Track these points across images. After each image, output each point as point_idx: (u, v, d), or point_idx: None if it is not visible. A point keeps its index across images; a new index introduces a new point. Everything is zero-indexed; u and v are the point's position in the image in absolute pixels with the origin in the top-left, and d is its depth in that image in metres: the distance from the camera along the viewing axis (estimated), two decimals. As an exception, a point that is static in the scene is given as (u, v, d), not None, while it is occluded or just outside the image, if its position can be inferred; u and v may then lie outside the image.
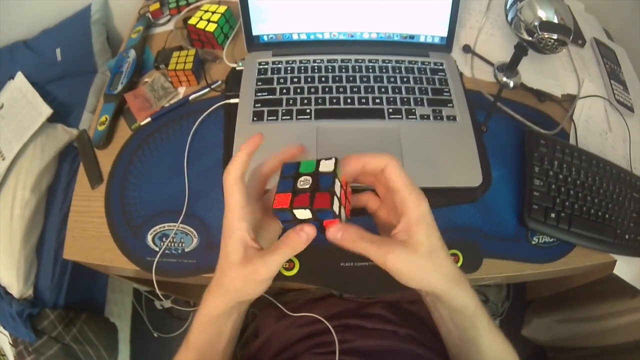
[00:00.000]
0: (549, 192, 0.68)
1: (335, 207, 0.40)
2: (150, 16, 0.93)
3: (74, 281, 1.01)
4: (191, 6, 0.93)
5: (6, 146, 1.01)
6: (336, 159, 0.42)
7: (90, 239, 0.68)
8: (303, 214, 0.41)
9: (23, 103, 1.06)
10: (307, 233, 0.42)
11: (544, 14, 0.77)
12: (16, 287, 0.93)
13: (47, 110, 1.01)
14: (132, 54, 0.85)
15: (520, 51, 0.77)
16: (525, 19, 0.78)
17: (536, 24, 0.77)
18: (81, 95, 1.16)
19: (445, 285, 0.43)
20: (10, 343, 0.98)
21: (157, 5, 0.93)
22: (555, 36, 0.76)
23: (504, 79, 0.81)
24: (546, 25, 0.76)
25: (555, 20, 0.77)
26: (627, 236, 0.69)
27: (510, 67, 0.80)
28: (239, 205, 0.43)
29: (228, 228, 0.43)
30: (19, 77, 1.11)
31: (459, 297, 0.44)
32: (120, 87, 0.81)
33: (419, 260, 0.41)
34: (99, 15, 1.23)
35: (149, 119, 0.76)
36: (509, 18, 0.82)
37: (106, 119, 0.77)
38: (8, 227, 0.94)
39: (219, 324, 0.48)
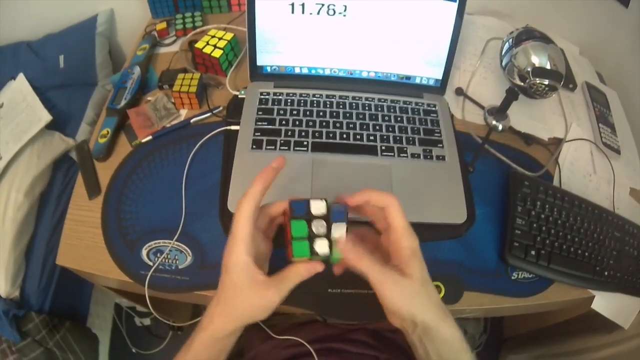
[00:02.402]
0: (530, 231, 0.75)
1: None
2: (156, 35, 1.01)
3: (60, 289, 1.06)
4: (198, 30, 1.01)
5: (3, 146, 1.05)
6: (326, 200, 0.52)
7: (84, 248, 0.73)
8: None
9: (23, 106, 1.12)
10: (316, 267, 0.51)
11: (538, 60, 0.85)
12: (3, 287, 0.96)
13: (46, 117, 1.06)
14: (137, 71, 0.92)
15: (511, 96, 0.85)
16: (519, 64, 0.87)
17: (529, 69, 0.85)
18: (79, 106, 1.22)
19: (435, 315, 0.50)
20: (-8, 340, 1.03)
21: (163, 25, 1.02)
22: (546, 82, 0.84)
23: (494, 122, 0.89)
24: (539, 71, 0.84)
25: (548, 67, 0.86)
26: (606, 272, 0.77)
27: (500, 111, 0.88)
28: (247, 239, 0.50)
29: (234, 258, 0.50)
30: (21, 78, 1.17)
31: (448, 328, 0.50)
32: (123, 103, 0.87)
33: (414, 287, 0.49)
34: (104, 27, 1.29)
35: (150, 137, 0.83)
36: (503, 63, 0.91)
37: (108, 132, 0.84)
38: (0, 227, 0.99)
39: (222, 344, 0.54)
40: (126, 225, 0.75)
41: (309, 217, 0.52)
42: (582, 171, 0.90)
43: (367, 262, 0.49)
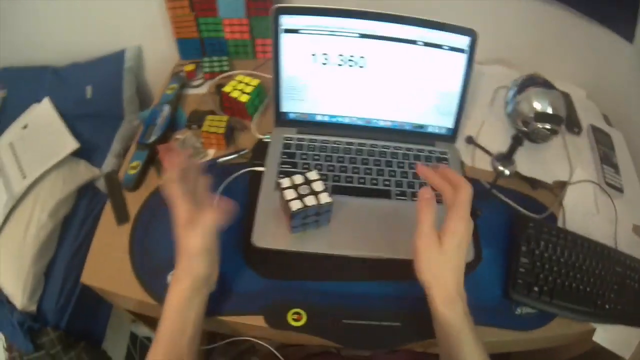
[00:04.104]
0: (533, 269, 0.83)
1: None
2: (185, 76, 1.13)
3: (77, 310, 1.13)
4: (225, 74, 1.13)
5: (28, 166, 1.16)
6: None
7: (110, 269, 0.82)
8: None
9: (48, 130, 1.22)
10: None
11: (540, 106, 0.96)
12: (20, 300, 1.04)
13: (73, 144, 1.17)
14: (167, 109, 1.03)
15: (516, 142, 0.95)
16: (522, 111, 0.98)
17: (531, 115, 0.96)
18: (106, 138, 1.33)
19: (438, 293, 0.62)
20: (4, 347, 1.10)
21: (192, 67, 1.14)
22: (548, 126, 0.94)
23: (501, 168, 0.99)
24: (540, 116, 0.95)
25: (550, 111, 0.96)
26: (607, 306, 0.83)
27: (507, 157, 0.98)
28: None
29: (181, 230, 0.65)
30: (46, 103, 1.28)
31: (446, 313, 0.61)
32: (153, 138, 0.98)
33: (438, 259, 0.62)
34: (132, 63, 1.39)
35: (179, 173, 0.94)
36: (508, 111, 1.02)
37: (138, 164, 0.94)
38: (21, 241, 1.07)
39: (182, 313, 0.64)
40: (153, 251, 0.84)
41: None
42: (585, 211, 0.97)
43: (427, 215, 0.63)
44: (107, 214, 0.90)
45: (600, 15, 1.14)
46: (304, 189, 0.75)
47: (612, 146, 1.13)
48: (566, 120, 1.13)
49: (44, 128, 1.25)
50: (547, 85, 1.01)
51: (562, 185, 1.00)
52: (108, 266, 0.83)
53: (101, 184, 1.25)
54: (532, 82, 1.02)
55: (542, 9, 1.17)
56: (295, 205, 0.74)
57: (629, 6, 1.06)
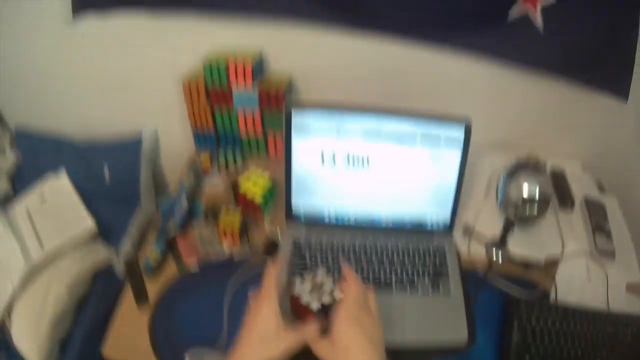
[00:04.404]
0: (525, 344, 0.89)
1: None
2: (200, 168, 1.24)
3: None
4: (239, 169, 1.24)
5: (46, 238, 1.22)
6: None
7: (131, 345, 0.90)
8: None
9: (66, 205, 1.30)
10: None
11: (527, 191, 1.01)
12: None
13: (90, 225, 1.25)
14: (184, 202, 1.12)
15: (507, 227, 1.03)
16: (511, 197, 1.04)
17: (519, 200, 1.02)
18: (122, 223, 1.38)
19: None
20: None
21: (207, 159, 1.25)
22: (535, 208, 1.00)
23: (494, 254, 1.07)
24: (527, 201, 1.01)
25: (537, 195, 1.01)
26: None
27: (500, 243, 1.06)
28: (275, 294, 0.71)
29: (265, 309, 0.70)
30: (64, 177, 1.37)
31: None
32: (172, 229, 1.07)
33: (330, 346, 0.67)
34: (149, 150, 1.46)
35: (196, 263, 1.03)
36: (499, 198, 1.10)
37: (157, 252, 1.04)
38: (39, 309, 1.12)
39: None
40: (172, 332, 0.92)
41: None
42: (578, 282, 1.04)
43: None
44: (127, 294, 0.99)
45: (594, 79, 1.19)
46: (316, 289, 0.80)
47: (605, 213, 1.19)
48: (559, 197, 1.22)
49: (61, 202, 1.33)
50: (536, 168, 1.07)
51: (554, 262, 1.07)
52: (128, 342, 0.92)
53: (118, 267, 1.32)
54: (521, 167, 1.07)
55: (536, 87, 1.24)
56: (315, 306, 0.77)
57: (623, 65, 1.13)
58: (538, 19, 1.09)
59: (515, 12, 1.10)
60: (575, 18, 1.07)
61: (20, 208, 1.33)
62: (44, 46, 1.35)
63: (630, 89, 1.15)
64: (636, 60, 1.11)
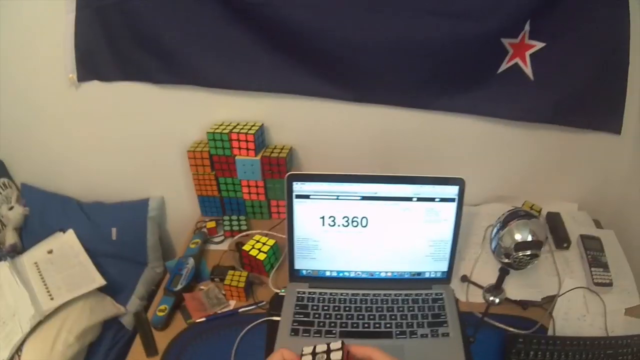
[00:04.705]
0: None
1: None
2: (206, 232, 1.31)
3: None
4: (243, 233, 1.31)
5: (55, 290, 1.26)
6: (342, 342, 0.67)
7: None
8: None
9: (74, 261, 1.35)
10: None
11: (520, 236, 1.07)
12: None
13: (100, 280, 1.30)
14: (191, 262, 1.19)
15: (503, 273, 1.07)
16: (504, 244, 1.08)
17: (512, 247, 1.06)
18: (130, 280, 1.46)
19: None
20: None
21: (213, 224, 1.32)
22: (528, 252, 1.05)
23: (491, 298, 1.10)
24: (520, 246, 1.06)
25: (529, 239, 1.06)
26: None
27: (496, 287, 1.10)
28: None
29: None
30: (71, 235, 1.42)
31: None
32: (179, 287, 1.13)
33: None
34: (155, 213, 1.53)
35: (203, 319, 1.07)
36: (493, 246, 1.15)
37: (165, 308, 1.09)
38: (47, 355, 1.16)
39: None
40: None
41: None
42: (576, 315, 1.07)
43: None
44: (137, 346, 1.04)
45: (587, 120, 1.24)
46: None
47: (602, 247, 1.23)
48: (555, 238, 1.27)
49: (70, 258, 1.37)
50: (528, 216, 1.12)
51: (551, 299, 1.11)
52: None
53: (126, 321, 1.37)
54: (513, 216, 1.12)
55: (529, 135, 1.29)
56: None
57: (615, 99, 1.18)
58: (527, 67, 1.15)
59: (505, 64, 1.17)
60: (564, 59, 1.13)
61: (29, 261, 1.37)
62: (50, 105, 1.40)
63: (624, 121, 1.20)
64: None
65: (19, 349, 1.17)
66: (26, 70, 1.33)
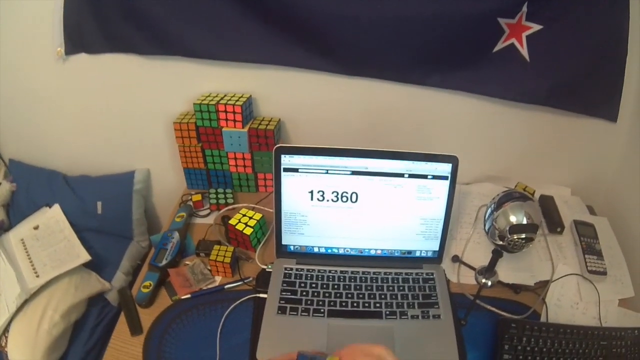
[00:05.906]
0: None
1: None
2: (192, 205, 1.29)
3: None
4: (230, 207, 1.29)
5: (41, 267, 1.27)
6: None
7: None
8: None
9: (60, 237, 1.35)
10: None
11: (515, 218, 1.07)
12: None
13: (85, 256, 1.30)
14: (177, 236, 1.17)
15: (496, 255, 1.06)
16: (499, 226, 1.08)
17: (506, 229, 1.06)
18: (115, 255, 1.46)
19: None
20: None
21: (199, 197, 1.30)
22: (523, 235, 1.05)
23: (483, 280, 1.10)
24: (515, 228, 1.06)
25: (524, 222, 1.06)
26: None
27: (488, 270, 1.09)
28: None
29: None
30: (57, 210, 1.42)
31: None
32: (164, 262, 1.12)
33: None
34: (141, 186, 1.53)
35: (189, 296, 1.06)
36: (486, 228, 1.15)
37: (150, 284, 1.07)
38: (34, 334, 1.17)
39: None
40: (165, 358, 0.96)
41: None
42: (569, 302, 1.07)
43: None
44: (121, 325, 1.03)
45: (582, 104, 1.24)
46: None
47: (596, 234, 1.23)
48: (548, 222, 1.26)
49: (55, 234, 1.37)
50: (523, 198, 1.12)
51: (544, 284, 1.10)
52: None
53: (111, 297, 1.37)
54: (508, 197, 1.13)
55: (524, 117, 1.29)
56: None
57: (612, 85, 1.18)
58: (523, 48, 1.14)
59: (501, 43, 1.15)
60: (561, 42, 1.12)
61: (16, 237, 1.38)
62: (37, 80, 1.39)
63: (620, 109, 1.20)
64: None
65: (5, 330, 1.18)
66: (13, 45, 1.31)
